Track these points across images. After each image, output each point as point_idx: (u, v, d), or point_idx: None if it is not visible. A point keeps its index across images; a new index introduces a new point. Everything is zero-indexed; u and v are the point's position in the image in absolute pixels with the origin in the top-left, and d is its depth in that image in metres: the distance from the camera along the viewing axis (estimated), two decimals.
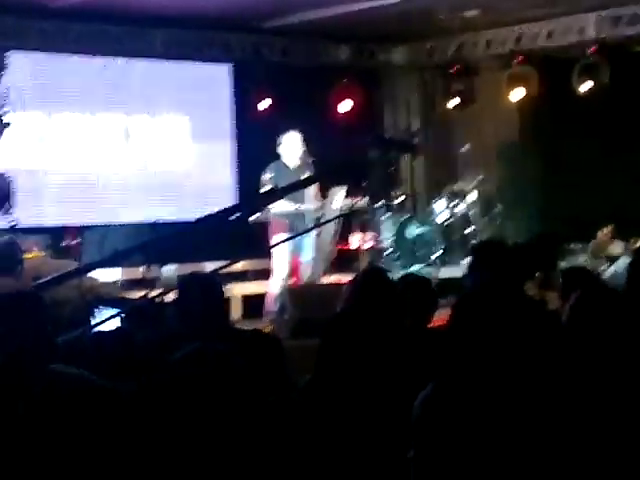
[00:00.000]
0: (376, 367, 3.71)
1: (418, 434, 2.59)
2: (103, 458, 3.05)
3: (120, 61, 13.15)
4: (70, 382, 3.11)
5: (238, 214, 11.78)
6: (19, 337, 3.57)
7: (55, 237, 11.66)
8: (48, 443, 3.03)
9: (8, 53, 11.58)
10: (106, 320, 5.23)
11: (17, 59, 12.12)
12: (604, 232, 13.35)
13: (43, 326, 3.68)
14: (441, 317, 4.67)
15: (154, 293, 5.91)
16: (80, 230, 12.08)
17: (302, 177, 10.57)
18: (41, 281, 5.06)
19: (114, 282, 11.46)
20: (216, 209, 6.38)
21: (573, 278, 5.99)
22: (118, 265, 11.29)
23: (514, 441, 2.61)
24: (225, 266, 6.25)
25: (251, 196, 11.78)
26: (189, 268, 11.95)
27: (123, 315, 5.32)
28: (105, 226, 12.73)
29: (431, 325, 5.16)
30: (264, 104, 13.84)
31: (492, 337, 3.86)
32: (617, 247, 12.97)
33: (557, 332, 4.15)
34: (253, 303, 11.46)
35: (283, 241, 10.39)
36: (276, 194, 9.98)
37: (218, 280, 4.96)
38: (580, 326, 3.78)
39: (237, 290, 11.68)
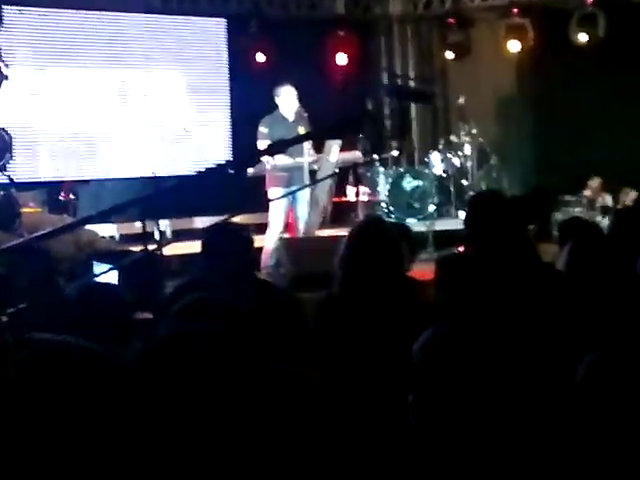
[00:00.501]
0: (379, 317, 3.74)
1: (418, 378, 2.60)
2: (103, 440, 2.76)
3: (115, 15, 13.08)
4: (55, 353, 2.87)
5: (235, 168, 11.84)
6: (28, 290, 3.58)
7: (51, 192, 11.65)
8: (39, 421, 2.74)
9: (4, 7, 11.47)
10: (103, 273, 5.23)
11: (10, 13, 12.05)
12: (593, 185, 13.45)
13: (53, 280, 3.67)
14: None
15: (152, 247, 5.88)
16: (76, 185, 12.07)
17: (298, 130, 10.55)
18: (39, 234, 5.03)
19: (111, 237, 11.50)
20: (212, 163, 6.38)
21: (570, 228, 5.99)
22: (114, 220, 11.28)
23: (514, 384, 2.63)
24: (224, 220, 6.21)
25: (248, 151, 11.75)
26: (185, 223, 12.04)
27: (121, 268, 5.32)
28: (101, 181, 12.74)
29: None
30: (260, 57, 13.79)
31: (491, 284, 3.88)
32: (607, 199, 13.04)
33: (554, 282, 4.17)
34: None
35: (282, 197, 10.38)
36: (273, 149, 9.96)
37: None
38: (577, 272, 3.79)
39: None
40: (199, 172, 6.01)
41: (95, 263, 6.10)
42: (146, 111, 13.54)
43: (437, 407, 2.59)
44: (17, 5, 12.07)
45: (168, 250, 7.39)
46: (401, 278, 4.32)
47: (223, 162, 12.24)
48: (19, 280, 3.69)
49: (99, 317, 3.85)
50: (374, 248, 4.18)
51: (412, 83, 15.26)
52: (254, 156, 9.77)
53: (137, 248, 9.00)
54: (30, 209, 10.20)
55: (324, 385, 3.20)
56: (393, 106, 13.32)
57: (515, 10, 13.81)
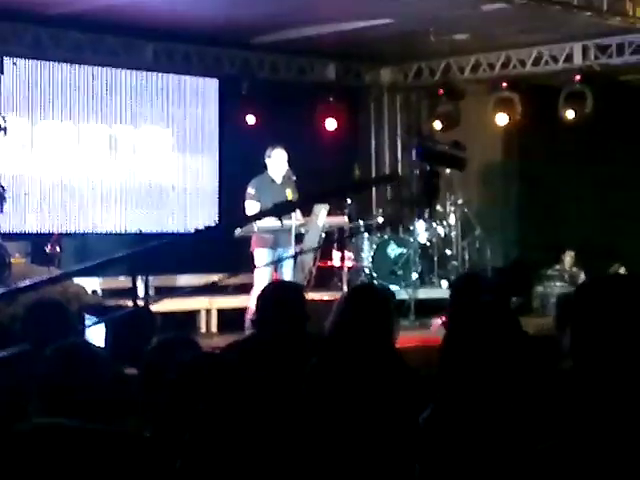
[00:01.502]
0: (374, 386, 3.75)
1: (422, 452, 2.62)
2: None
3: (106, 70, 13.19)
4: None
5: (222, 232, 11.87)
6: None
7: (36, 244, 11.66)
8: None
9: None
10: (91, 326, 5.24)
11: (9, 65, 12.14)
12: (565, 259, 13.64)
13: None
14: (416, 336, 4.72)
15: (140, 302, 5.90)
16: (62, 238, 12.07)
17: (285, 192, 10.60)
18: (29, 283, 5.03)
19: (93, 291, 11.48)
20: (199, 222, 6.45)
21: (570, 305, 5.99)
22: (99, 274, 11.28)
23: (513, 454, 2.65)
24: (214, 282, 6.26)
25: (236, 214, 11.80)
26: (169, 280, 12.04)
27: (110, 323, 5.33)
28: (87, 234, 12.75)
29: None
30: (250, 119, 13.89)
31: (484, 359, 3.91)
32: (580, 274, 13.21)
33: (541, 356, 4.20)
34: (229, 316, 11.45)
35: (268, 264, 10.42)
36: (262, 214, 10.00)
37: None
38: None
39: (215, 304, 11.71)
40: (187, 233, 6.02)
41: (85, 316, 6.10)
42: (134, 166, 13.59)
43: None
44: (16, 57, 12.14)
45: (154, 307, 7.39)
46: (391, 347, 4.34)
47: (212, 225, 12.30)
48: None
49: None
50: (367, 315, 4.22)
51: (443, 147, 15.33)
52: (242, 220, 9.80)
53: (121, 303, 9.03)
54: (16, 260, 10.19)
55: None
56: (422, 169, 13.28)
57: (504, 84, 13.98)
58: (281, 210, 9.37)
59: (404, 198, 14.49)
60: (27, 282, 5.61)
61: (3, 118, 8.59)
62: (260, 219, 10.17)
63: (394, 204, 13.05)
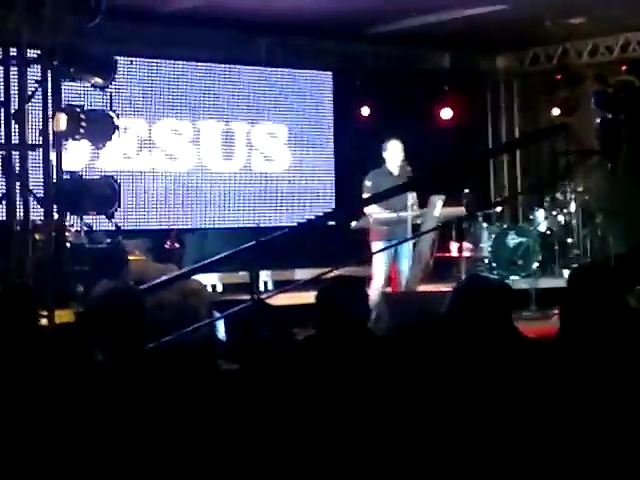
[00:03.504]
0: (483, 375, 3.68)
1: None
2: None
3: (221, 67, 13.29)
4: None
5: (338, 219, 11.88)
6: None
7: (156, 240, 11.80)
8: None
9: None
10: (211, 322, 5.26)
11: (122, 64, 12.26)
12: None
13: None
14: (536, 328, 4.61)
15: (263, 296, 5.92)
16: (181, 234, 12.21)
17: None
18: (147, 285, 5.10)
19: (213, 285, 11.60)
20: (315, 214, 6.45)
21: None
22: (218, 270, 11.39)
23: None
24: (325, 273, 6.21)
25: (350, 201, 11.78)
26: (287, 274, 12.09)
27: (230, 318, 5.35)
28: (206, 230, 12.88)
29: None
30: (365, 111, 13.87)
31: (599, 351, 3.79)
32: None
33: None
34: None
35: (382, 250, 10.35)
36: (374, 198, 9.96)
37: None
38: None
39: None
40: (304, 221, 6.00)
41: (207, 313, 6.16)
42: (251, 162, 13.67)
43: None
44: (128, 56, 12.28)
45: (272, 300, 7.39)
46: (510, 333, 4.25)
47: (326, 212, 12.32)
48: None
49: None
50: (476, 307, 4.13)
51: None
52: (355, 205, 9.76)
53: (240, 297, 9.08)
54: (135, 257, 10.32)
55: None
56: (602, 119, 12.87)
57: (624, 68, 13.65)
58: (391, 195, 9.33)
59: (530, 184, 14.21)
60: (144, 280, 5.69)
61: (117, 116, 8.69)
62: (377, 202, 10.13)
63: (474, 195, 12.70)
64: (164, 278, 6.11)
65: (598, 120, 12.51)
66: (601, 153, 12.81)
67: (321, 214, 11.07)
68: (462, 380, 3.77)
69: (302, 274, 12.26)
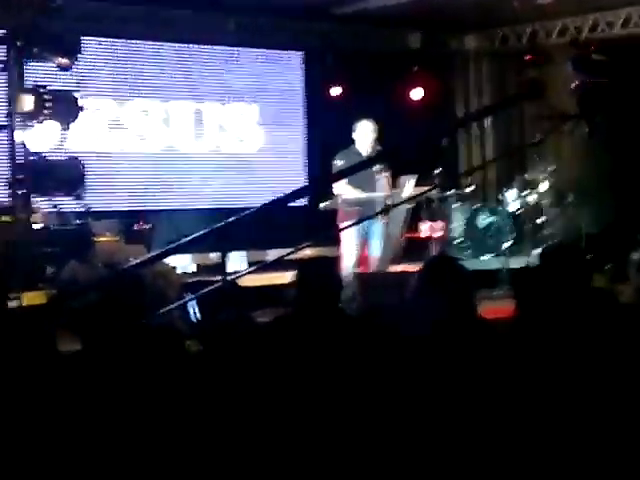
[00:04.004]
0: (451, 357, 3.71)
1: None
2: None
3: (191, 47, 13.23)
4: None
5: (307, 198, 11.86)
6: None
7: (127, 222, 11.75)
8: None
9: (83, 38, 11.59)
10: (185, 302, 5.27)
11: (91, 45, 12.19)
12: None
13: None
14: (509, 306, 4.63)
15: (232, 277, 5.92)
16: (150, 215, 12.17)
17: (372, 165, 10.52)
18: (124, 266, 5.10)
19: (186, 267, 11.57)
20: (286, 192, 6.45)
21: None
22: (189, 251, 11.36)
23: None
24: (291, 252, 6.23)
25: (318, 178, 11.77)
26: (261, 255, 12.08)
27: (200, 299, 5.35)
28: (175, 211, 12.84)
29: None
30: (335, 91, 13.87)
31: (562, 331, 3.83)
32: None
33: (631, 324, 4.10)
34: None
35: (349, 226, 10.32)
36: (342, 173, 9.93)
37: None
38: None
39: None
40: (272, 201, 5.99)
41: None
42: (221, 142, 13.64)
43: None
44: (96, 36, 12.20)
45: (243, 281, 7.39)
46: (474, 317, 4.28)
47: (295, 191, 12.28)
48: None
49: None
50: (443, 287, 4.16)
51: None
52: (323, 184, 9.72)
53: (213, 278, 9.07)
54: (106, 238, 10.29)
55: None
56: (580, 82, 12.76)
57: (592, 48, 13.67)
58: (358, 169, 9.29)
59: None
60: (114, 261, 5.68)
61: (81, 97, 8.65)
62: (345, 176, 10.09)
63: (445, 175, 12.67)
64: (140, 259, 6.09)
65: (573, 85, 12.57)
66: (578, 117, 12.82)
67: (291, 192, 11.05)
68: (425, 360, 3.80)
69: (275, 254, 12.25)
